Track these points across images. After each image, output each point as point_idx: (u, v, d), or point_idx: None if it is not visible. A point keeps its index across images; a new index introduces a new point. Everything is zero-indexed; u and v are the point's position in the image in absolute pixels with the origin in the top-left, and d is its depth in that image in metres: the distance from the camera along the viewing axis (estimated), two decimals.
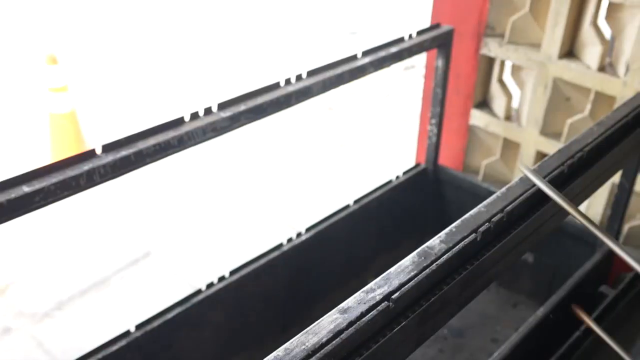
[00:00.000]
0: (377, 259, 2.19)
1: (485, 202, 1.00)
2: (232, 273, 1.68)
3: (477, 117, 2.35)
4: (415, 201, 2.22)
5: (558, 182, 1.07)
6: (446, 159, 2.35)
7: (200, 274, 2.60)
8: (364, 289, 0.86)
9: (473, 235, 0.92)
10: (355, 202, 1.99)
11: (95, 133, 3.71)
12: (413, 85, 4.39)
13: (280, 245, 1.79)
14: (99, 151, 1.18)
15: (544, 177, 1.05)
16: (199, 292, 1.61)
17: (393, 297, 0.81)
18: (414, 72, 4.68)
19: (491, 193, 1.99)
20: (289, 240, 1.81)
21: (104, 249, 2.80)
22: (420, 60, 4.32)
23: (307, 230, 1.85)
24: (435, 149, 2.12)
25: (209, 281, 1.64)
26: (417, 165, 2.21)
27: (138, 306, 2.44)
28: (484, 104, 2.38)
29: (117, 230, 2.94)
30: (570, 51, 2.12)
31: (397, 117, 4.05)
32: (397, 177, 2.14)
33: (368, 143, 3.76)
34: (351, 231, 1.99)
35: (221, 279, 1.66)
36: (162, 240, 2.87)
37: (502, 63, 2.31)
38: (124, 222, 3.00)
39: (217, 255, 2.74)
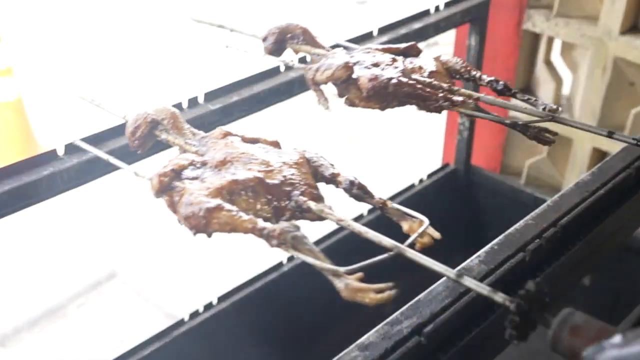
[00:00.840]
0: (397, 281, 2.20)
1: (533, 214, 1.01)
2: (220, 300, 1.69)
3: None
4: (443, 209, 2.22)
5: (625, 187, 1.08)
6: (480, 159, 2.36)
7: (179, 301, 2.60)
8: (388, 320, 0.88)
9: (520, 255, 0.93)
10: (370, 211, 2.00)
11: (45, 126, 3.72)
12: None
13: (280, 264, 1.80)
14: (60, 152, 1.19)
15: (607, 181, 1.06)
16: (181, 323, 1.62)
17: (425, 330, 0.83)
18: (436, 50, 4.70)
19: (537, 200, 2.02)
20: (290, 258, 1.82)
21: (58, 270, 2.81)
22: (444, 37, 4.33)
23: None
24: (467, 146, 2.13)
25: (192, 309, 1.65)
26: (445, 165, 2.23)
27: (102, 341, 2.45)
28: (527, 90, 2.39)
29: (75, 246, 2.95)
30: (634, 25, 2.13)
31: None
32: (421, 181, 2.15)
33: (381, 138, 3.78)
34: (365, 246, 1.99)
35: (207, 306, 1.67)
36: (130, 259, 2.88)
37: (550, 40, 2.32)
38: (84, 236, 3.01)
39: (202, 277, 2.74)
